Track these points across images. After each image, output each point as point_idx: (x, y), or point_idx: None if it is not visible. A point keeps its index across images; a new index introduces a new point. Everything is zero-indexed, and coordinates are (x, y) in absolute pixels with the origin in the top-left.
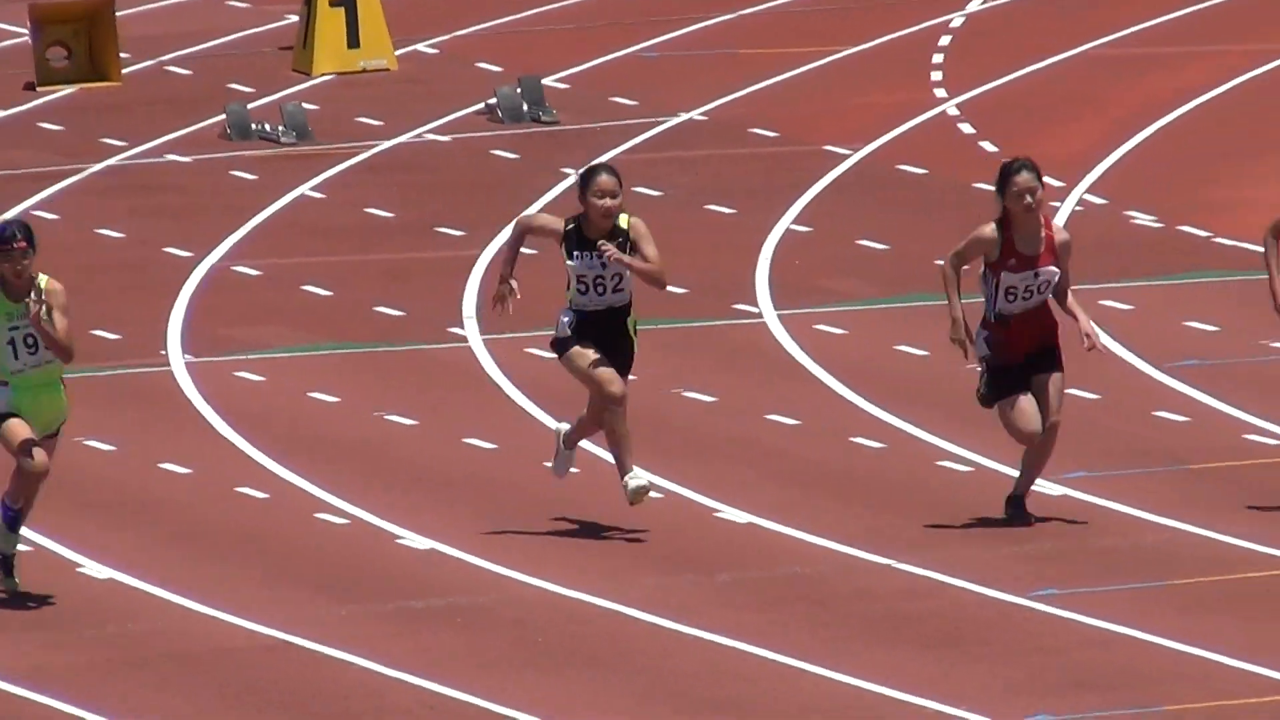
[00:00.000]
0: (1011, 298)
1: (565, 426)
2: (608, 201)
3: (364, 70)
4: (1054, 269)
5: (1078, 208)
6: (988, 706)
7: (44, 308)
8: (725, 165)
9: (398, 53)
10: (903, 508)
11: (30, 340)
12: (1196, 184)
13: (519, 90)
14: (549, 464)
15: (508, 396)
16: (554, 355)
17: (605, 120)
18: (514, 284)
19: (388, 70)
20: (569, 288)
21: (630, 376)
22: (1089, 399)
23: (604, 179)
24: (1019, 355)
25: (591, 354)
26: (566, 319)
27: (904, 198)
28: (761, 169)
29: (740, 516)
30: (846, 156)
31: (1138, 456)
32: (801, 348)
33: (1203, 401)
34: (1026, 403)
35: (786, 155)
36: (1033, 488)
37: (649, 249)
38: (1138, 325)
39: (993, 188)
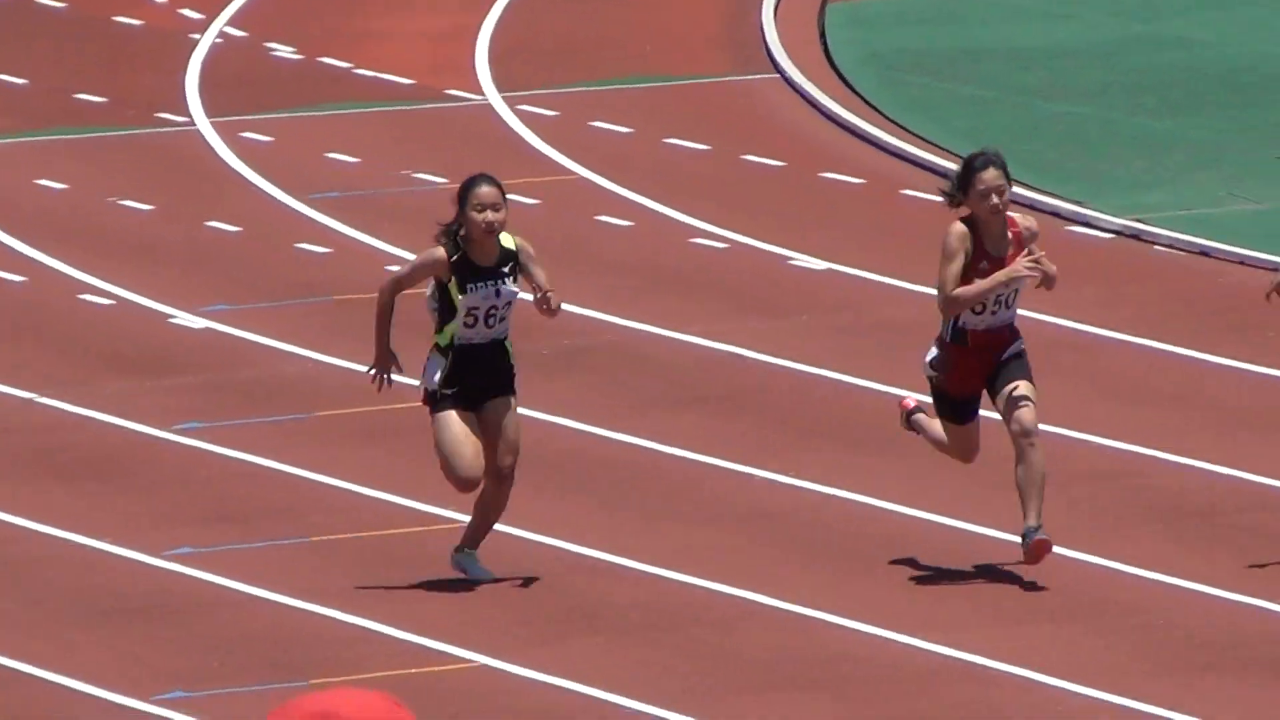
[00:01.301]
0: (980, 309)
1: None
2: (489, 215)
3: None
4: (1022, 282)
5: (217, 40)
6: (134, 539)
7: None
8: None
9: None
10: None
11: None
12: (336, 16)
13: None
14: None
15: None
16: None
17: None
18: (396, 356)
19: None
20: (444, 325)
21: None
22: (230, 231)
23: (484, 189)
24: (975, 383)
25: (459, 428)
26: (437, 372)
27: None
28: None
29: None
30: None
31: (282, 289)
32: None
33: (344, 233)
34: (972, 430)
35: None
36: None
37: (541, 273)
38: (279, 158)
39: (941, 191)
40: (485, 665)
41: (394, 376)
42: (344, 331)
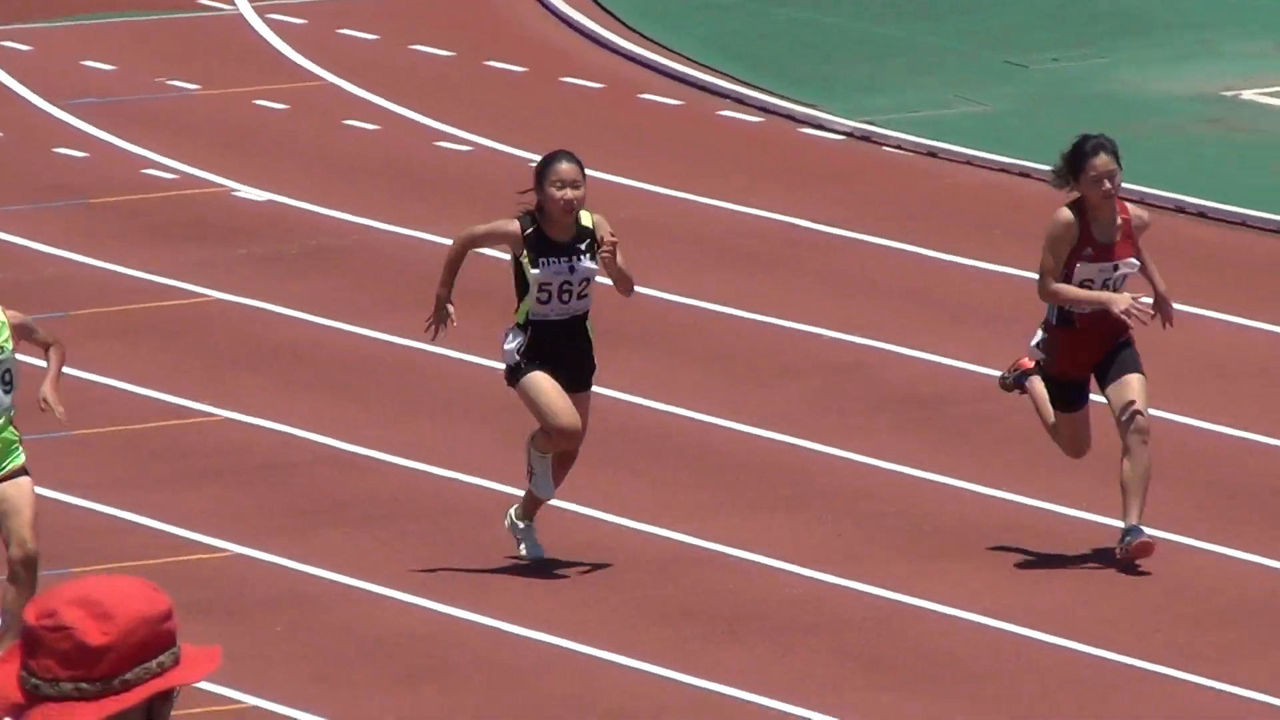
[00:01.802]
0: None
1: (511, 512)
2: (569, 193)
3: None
4: (1134, 261)
5: None
6: None
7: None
8: None
9: None
10: None
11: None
12: None
13: None
14: (521, 550)
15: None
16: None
17: None
18: (451, 309)
19: None
20: (522, 299)
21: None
22: None
23: (564, 166)
24: (1083, 367)
25: (547, 385)
26: (513, 344)
27: None
28: None
29: None
30: None
31: (39, 192)
32: None
33: (100, 138)
34: (1081, 420)
35: None
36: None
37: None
38: (37, 66)
39: (1054, 167)
40: (238, 553)
41: (447, 324)
42: (99, 233)
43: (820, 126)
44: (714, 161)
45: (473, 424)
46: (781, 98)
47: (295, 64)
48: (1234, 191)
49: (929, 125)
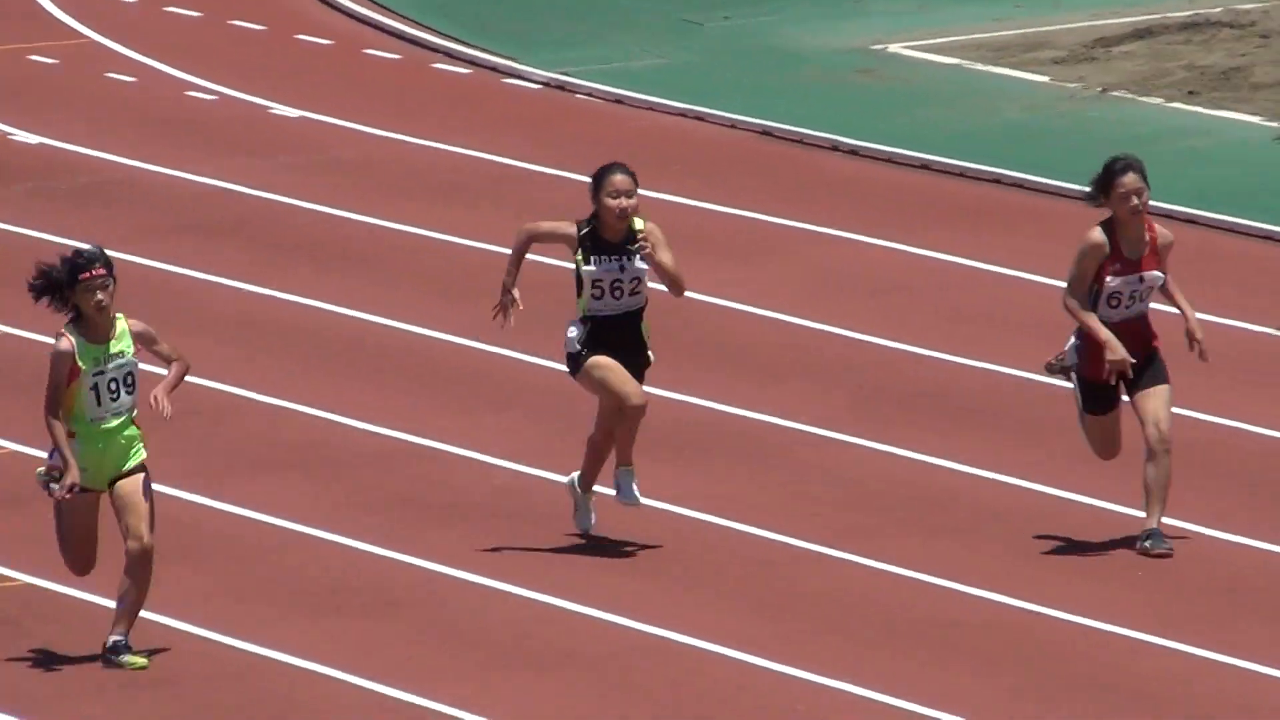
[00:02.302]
0: (1115, 303)
1: (574, 475)
2: (623, 201)
3: None
4: (1158, 273)
5: None
6: None
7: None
8: None
9: None
10: None
11: (114, 385)
12: None
13: None
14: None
15: None
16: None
17: None
18: (516, 294)
19: None
20: (580, 294)
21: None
22: None
23: (619, 178)
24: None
25: (607, 362)
26: (575, 332)
27: None
28: None
29: None
30: None
31: None
32: None
33: None
34: (1111, 423)
35: None
36: None
37: (665, 255)
38: None
39: (1088, 188)
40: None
41: (512, 314)
42: None
43: (520, 77)
44: (428, 108)
45: (229, 340)
46: (487, 52)
47: (64, 24)
48: (882, 132)
49: (616, 76)
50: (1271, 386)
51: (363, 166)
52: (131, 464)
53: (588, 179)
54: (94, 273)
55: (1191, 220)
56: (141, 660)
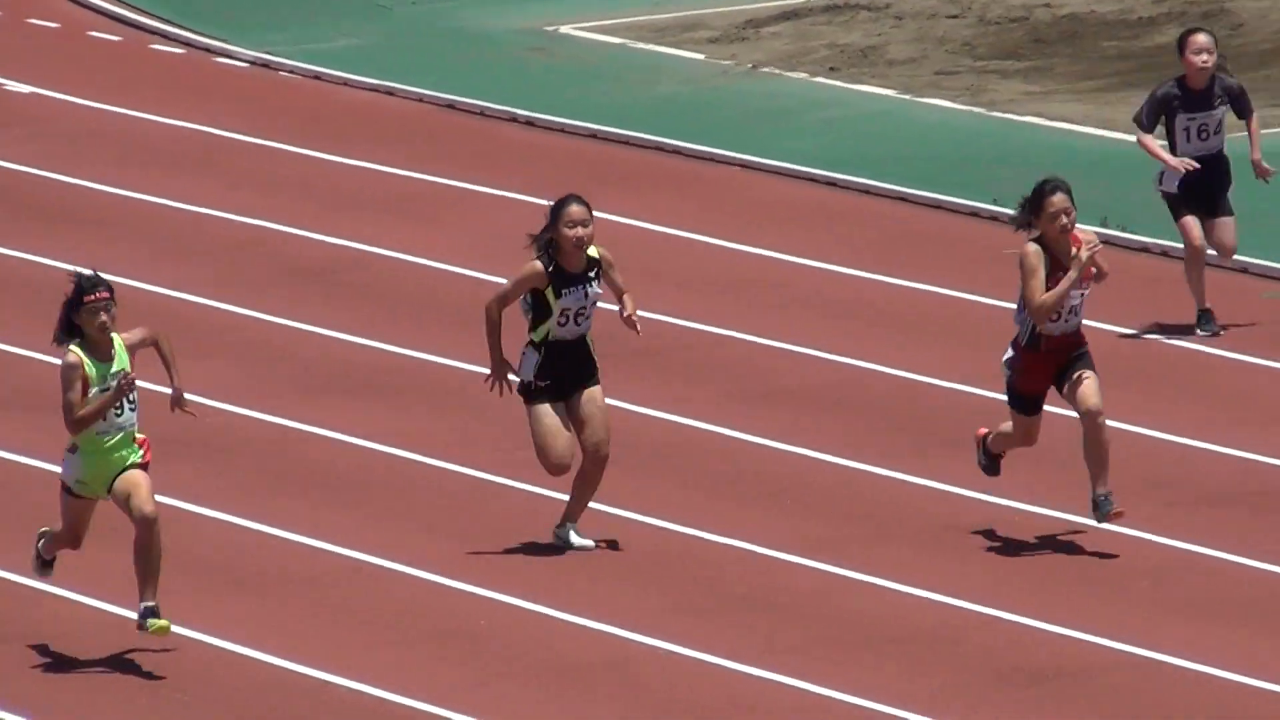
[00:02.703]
0: (1056, 316)
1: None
2: (579, 231)
3: None
4: (1089, 286)
5: None
6: None
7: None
8: None
9: None
10: None
11: (118, 402)
12: None
13: None
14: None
15: None
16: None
17: None
18: (509, 364)
19: None
20: (541, 323)
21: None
22: None
23: (575, 209)
24: (1043, 382)
25: (551, 424)
26: (533, 360)
27: None
28: None
29: None
30: None
31: None
32: None
33: None
34: (1036, 420)
35: None
36: None
37: (619, 278)
38: None
39: (1016, 210)
40: None
41: (510, 379)
42: None
43: (230, 56)
44: (147, 84)
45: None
46: (199, 34)
47: None
48: (555, 104)
49: (315, 55)
50: (880, 327)
51: (87, 137)
52: (129, 464)
53: (294, 148)
54: (98, 296)
55: (831, 183)
56: (163, 622)
